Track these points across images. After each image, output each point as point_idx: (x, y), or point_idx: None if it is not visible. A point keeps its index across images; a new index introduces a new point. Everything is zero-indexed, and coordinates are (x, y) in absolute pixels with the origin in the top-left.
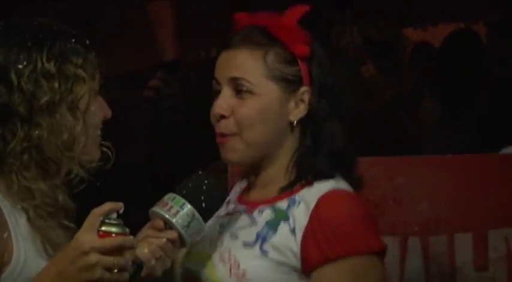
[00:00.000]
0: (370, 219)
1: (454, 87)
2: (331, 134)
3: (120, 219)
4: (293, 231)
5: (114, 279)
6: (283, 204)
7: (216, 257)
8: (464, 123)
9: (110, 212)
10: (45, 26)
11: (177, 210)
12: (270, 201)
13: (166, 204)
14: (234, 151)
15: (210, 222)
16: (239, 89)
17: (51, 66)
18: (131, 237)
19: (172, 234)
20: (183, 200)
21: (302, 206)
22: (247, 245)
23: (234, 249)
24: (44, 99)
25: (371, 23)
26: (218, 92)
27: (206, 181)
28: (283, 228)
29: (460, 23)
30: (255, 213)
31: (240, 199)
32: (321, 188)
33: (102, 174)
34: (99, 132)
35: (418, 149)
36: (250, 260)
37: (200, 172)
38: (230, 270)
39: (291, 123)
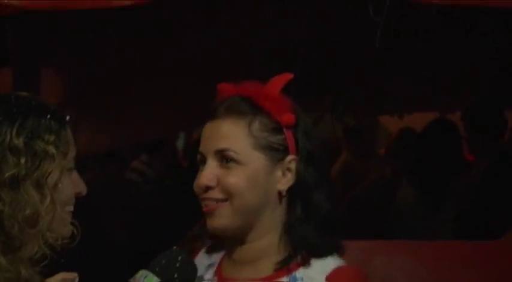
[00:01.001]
0: None
1: (432, 177)
2: (319, 203)
3: None
4: None
5: None
6: (283, 281)
7: None
8: (442, 213)
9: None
10: (22, 100)
11: None
12: (268, 279)
13: (139, 281)
14: (222, 217)
15: None
16: (226, 159)
17: (19, 142)
18: None
19: None
20: (155, 278)
21: None
22: None
23: None
24: (8, 174)
25: (347, 109)
26: (203, 163)
27: (180, 257)
28: None
29: (435, 113)
30: None
31: (220, 276)
32: (324, 265)
33: (76, 251)
34: (70, 208)
35: (394, 234)
36: None
37: (174, 248)
38: None
39: (280, 193)
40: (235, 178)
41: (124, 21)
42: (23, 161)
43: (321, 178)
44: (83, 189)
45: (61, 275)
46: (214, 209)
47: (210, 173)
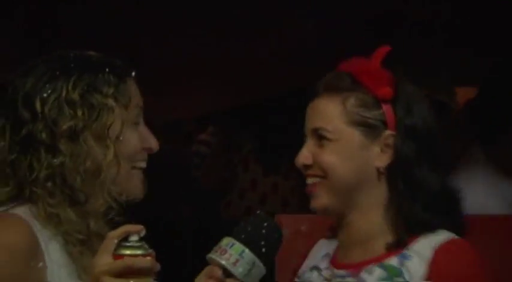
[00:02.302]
0: (487, 271)
1: None
2: (423, 179)
3: (141, 242)
4: None
5: None
6: (392, 260)
7: None
8: None
9: (127, 234)
10: (81, 56)
11: (236, 258)
12: (377, 260)
13: (225, 251)
14: (321, 197)
15: None
16: (320, 137)
17: (75, 95)
18: (148, 258)
19: None
20: (242, 247)
21: (416, 259)
22: None
23: None
24: (66, 126)
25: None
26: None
27: (265, 223)
28: None
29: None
30: (364, 274)
31: (335, 263)
32: (432, 239)
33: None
34: (140, 164)
35: None
36: None
37: (259, 212)
38: None
39: (378, 170)
40: (329, 156)
41: None
42: (79, 113)
43: (425, 153)
44: (152, 144)
45: (124, 228)
46: (313, 191)
47: (306, 150)
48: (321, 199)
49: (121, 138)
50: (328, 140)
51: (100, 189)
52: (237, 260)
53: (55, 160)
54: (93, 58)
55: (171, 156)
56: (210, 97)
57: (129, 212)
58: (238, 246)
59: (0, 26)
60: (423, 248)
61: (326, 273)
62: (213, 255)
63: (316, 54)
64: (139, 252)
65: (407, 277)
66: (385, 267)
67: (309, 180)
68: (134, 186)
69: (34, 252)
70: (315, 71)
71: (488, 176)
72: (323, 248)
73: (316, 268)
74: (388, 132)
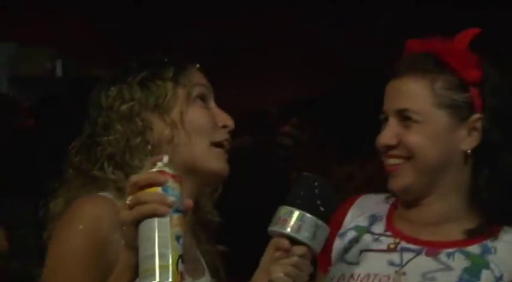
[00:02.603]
0: None
1: None
2: (510, 165)
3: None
4: (499, 279)
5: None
6: (474, 249)
7: None
8: None
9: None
10: (143, 59)
11: (298, 225)
12: (457, 245)
13: (285, 220)
14: (404, 177)
15: (367, 257)
16: (405, 118)
17: (135, 81)
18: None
19: (301, 250)
20: (301, 212)
21: (503, 253)
22: None
23: None
24: (125, 107)
25: None
26: (384, 121)
27: (316, 183)
28: (487, 277)
29: None
30: (443, 257)
31: (398, 233)
32: None
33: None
34: (217, 140)
35: None
36: None
37: (305, 174)
38: None
39: (465, 153)
40: (416, 137)
41: None
42: (138, 95)
43: (510, 138)
44: (227, 121)
45: (150, 159)
46: (396, 170)
47: (390, 131)
48: (404, 179)
49: (189, 114)
50: (415, 121)
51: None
52: (300, 226)
53: (114, 138)
54: (154, 58)
55: (254, 147)
56: (292, 87)
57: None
58: (297, 212)
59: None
60: (510, 242)
61: (387, 240)
62: (274, 228)
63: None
64: (162, 169)
65: (496, 271)
66: (468, 255)
67: (392, 161)
68: (215, 163)
69: (117, 225)
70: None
71: None
72: (366, 208)
73: (366, 231)
74: (476, 115)
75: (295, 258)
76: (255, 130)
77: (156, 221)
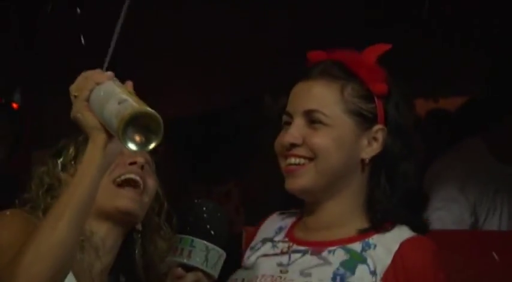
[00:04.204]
0: (445, 271)
1: None
2: (404, 175)
3: None
4: (373, 273)
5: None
6: (355, 246)
7: None
8: None
9: None
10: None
11: (188, 250)
12: (341, 242)
13: (176, 248)
14: (303, 177)
15: (261, 261)
16: (313, 120)
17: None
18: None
19: (196, 276)
20: (190, 238)
21: (380, 249)
22: None
23: None
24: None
25: None
26: (287, 124)
27: (204, 208)
28: (362, 270)
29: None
30: (325, 254)
31: (293, 238)
32: (399, 233)
33: None
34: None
35: None
36: None
37: (196, 201)
38: None
39: (363, 161)
40: (322, 139)
41: None
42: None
43: (408, 151)
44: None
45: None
46: (296, 170)
47: (296, 130)
48: (303, 180)
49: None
50: (323, 123)
51: None
52: (190, 251)
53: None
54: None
55: None
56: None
57: None
58: (187, 238)
59: None
60: (390, 240)
61: (282, 245)
62: (169, 257)
63: None
64: None
65: (371, 265)
66: (348, 251)
67: (293, 160)
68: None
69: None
70: None
71: None
72: (276, 223)
73: (269, 240)
74: (378, 126)
75: None
76: None
77: (103, 85)
